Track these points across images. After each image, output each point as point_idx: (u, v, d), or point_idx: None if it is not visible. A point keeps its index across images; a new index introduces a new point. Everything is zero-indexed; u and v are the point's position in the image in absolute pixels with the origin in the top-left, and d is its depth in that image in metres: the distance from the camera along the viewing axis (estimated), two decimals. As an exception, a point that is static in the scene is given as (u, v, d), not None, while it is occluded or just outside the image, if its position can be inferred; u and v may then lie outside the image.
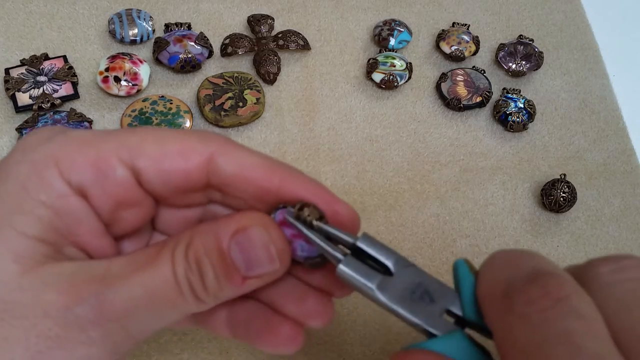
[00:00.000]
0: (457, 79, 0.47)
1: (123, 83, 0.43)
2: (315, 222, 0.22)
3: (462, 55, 0.48)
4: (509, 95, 0.47)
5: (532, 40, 0.50)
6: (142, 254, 0.21)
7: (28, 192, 0.20)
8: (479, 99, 0.46)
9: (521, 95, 0.47)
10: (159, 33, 0.47)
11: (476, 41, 0.49)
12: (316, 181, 0.23)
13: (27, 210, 0.20)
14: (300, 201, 0.22)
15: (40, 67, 0.44)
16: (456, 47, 0.48)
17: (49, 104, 0.42)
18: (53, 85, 0.43)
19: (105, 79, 0.43)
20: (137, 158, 0.21)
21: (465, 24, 0.50)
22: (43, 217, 0.20)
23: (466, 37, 0.49)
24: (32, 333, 0.19)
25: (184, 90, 0.45)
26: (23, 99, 0.42)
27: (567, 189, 0.42)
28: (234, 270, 0.21)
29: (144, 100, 0.43)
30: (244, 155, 0.22)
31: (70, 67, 0.44)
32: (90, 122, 0.42)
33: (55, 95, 0.43)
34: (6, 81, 0.43)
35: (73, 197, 0.21)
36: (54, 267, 0.21)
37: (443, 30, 0.50)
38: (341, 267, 0.22)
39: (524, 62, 0.48)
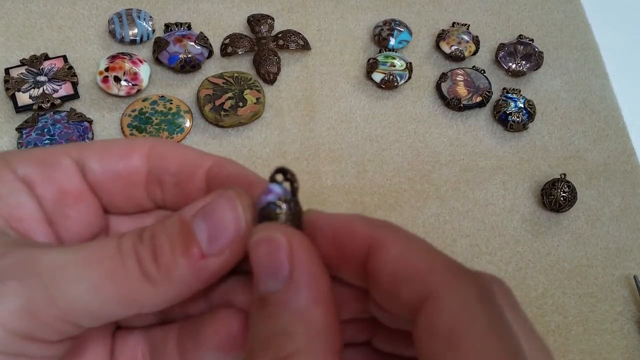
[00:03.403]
0: (457, 78, 0.47)
1: (123, 83, 0.43)
2: (295, 185, 0.22)
3: (462, 55, 0.48)
4: (509, 95, 0.47)
5: (532, 40, 0.50)
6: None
7: None
8: (479, 99, 0.46)
9: (521, 95, 0.47)
10: (159, 33, 0.47)
11: (476, 41, 0.49)
12: (240, 165, 0.23)
13: None
14: (278, 170, 0.21)
15: (40, 67, 0.44)
16: (456, 47, 0.48)
17: (49, 104, 0.42)
18: (53, 85, 0.43)
19: (105, 79, 0.43)
20: (83, 152, 0.22)
21: (465, 24, 0.50)
22: None
23: (466, 37, 0.49)
24: None
25: (184, 90, 0.45)
26: (23, 99, 0.42)
27: (567, 188, 0.42)
28: (194, 243, 0.19)
29: (144, 100, 0.43)
30: (180, 146, 0.23)
31: (70, 67, 0.44)
32: (90, 122, 0.42)
33: (55, 95, 0.43)
34: (6, 81, 0.43)
35: (17, 182, 0.21)
36: None
37: (443, 30, 0.50)
38: None
39: (524, 62, 0.48)
